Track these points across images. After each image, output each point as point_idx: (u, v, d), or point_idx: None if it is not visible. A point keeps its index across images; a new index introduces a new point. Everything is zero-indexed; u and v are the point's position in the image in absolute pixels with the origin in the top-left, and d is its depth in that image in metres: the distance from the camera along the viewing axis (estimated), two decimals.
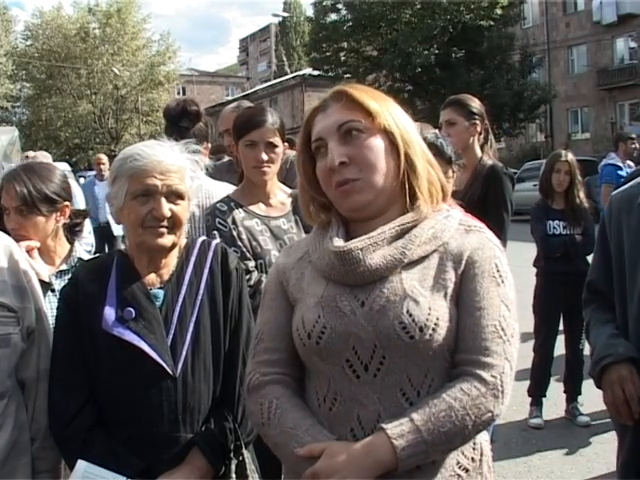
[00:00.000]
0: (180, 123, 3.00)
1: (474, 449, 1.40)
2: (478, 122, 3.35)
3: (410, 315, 1.32)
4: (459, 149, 3.22)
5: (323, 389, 1.41)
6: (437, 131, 2.50)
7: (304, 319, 1.41)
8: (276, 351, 1.48)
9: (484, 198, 3.15)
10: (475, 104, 3.40)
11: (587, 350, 4.65)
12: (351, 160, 1.39)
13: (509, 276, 1.41)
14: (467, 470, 1.38)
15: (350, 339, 1.36)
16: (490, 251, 1.41)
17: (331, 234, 1.45)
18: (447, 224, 1.43)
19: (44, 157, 6.60)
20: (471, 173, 3.25)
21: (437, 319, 1.33)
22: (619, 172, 6.57)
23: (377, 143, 1.41)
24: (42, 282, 2.00)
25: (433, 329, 1.32)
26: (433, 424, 1.27)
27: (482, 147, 3.38)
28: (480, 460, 1.41)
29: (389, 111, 1.44)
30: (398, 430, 1.27)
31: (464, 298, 1.37)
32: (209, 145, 3.14)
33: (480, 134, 3.37)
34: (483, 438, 1.42)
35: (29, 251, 2.14)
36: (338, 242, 1.41)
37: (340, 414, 1.38)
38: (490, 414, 1.31)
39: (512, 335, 1.36)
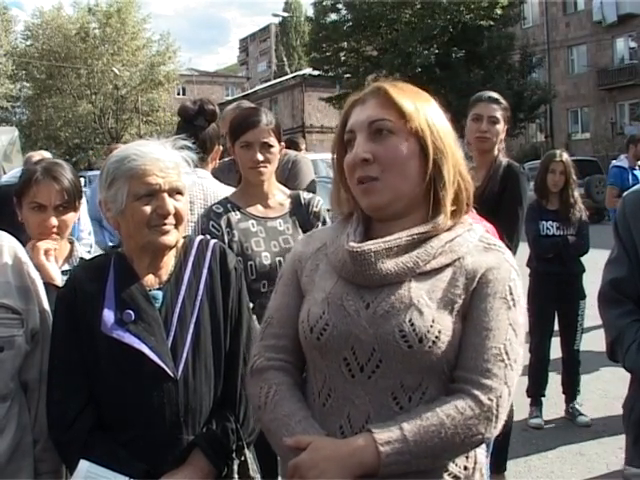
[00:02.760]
0: (195, 122, 2.97)
1: (467, 457, 1.39)
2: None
3: (412, 325, 1.32)
4: (492, 147, 3.30)
5: (319, 384, 1.43)
6: None
7: (310, 313, 1.42)
8: (283, 337, 1.48)
9: (500, 195, 3.22)
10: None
11: (583, 348, 4.71)
12: (375, 158, 1.38)
13: (521, 300, 1.39)
14: (458, 478, 1.37)
15: (350, 339, 1.36)
16: (506, 272, 1.38)
17: (349, 230, 1.45)
18: (467, 238, 1.41)
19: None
20: (487, 170, 3.32)
21: (439, 332, 1.32)
22: (624, 175, 6.59)
23: (406, 146, 1.38)
24: (55, 287, 1.97)
25: (433, 341, 1.31)
26: (421, 437, 1.26)
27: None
28: (473, 468, 1.40)
29: (425, 114, 1.41)
30: (386, 436, 1.26)
31: (472, 316, 1.35)
32: (221, 147, 3.12)
33: None
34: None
35: (47, 252, 2.10)
36: (353, 241, 1.41)
37: (332, 410, 1.39)
38: (480, 436, 1.30)
39: (515, 360, 1.34)
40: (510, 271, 1.39)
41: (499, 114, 3.40)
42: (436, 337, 1.32)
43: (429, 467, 1.31)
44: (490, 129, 3.36)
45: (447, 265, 1.38)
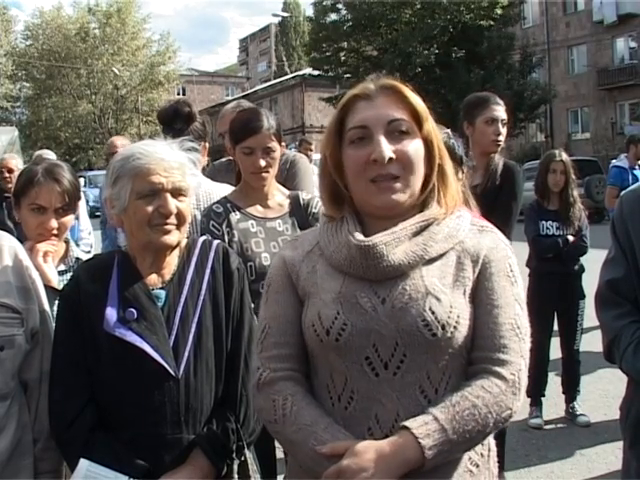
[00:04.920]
0: (174, 125, 2.98)
1: (483, 445, 1.41)
2: None
3: (433, 312, 1.33)
4: (499, 147, 3.44)
5: (338, 387, 1.40)
6: (449, 131, 2.53)
7: (321, 315, 1.39)
8: (286, 346, 1.45)
9: (498, 191, 3.31)
10: None
11: (582, 348, 4.70)
12: (396, 157, 1.40)
13: (519, 276, 1.44)
14: (477, 465, 1.39)
15: (371, 336, 1.35)
16: (503, 251, 1.44)
17: (349, 228, 1.44)
18: (460, 224, 1.46)
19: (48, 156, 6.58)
20: (485, 169, 3.41)
21: (458, 317, 1.34)
22: (625, 175, 6.59)
23: (420, 147, 1.43)
24: (52, 289, 1.97)
25: (454, 327, 1.33)
26: (458, 423, 1.28)
27: None
28: (488, 455, 1.43)
29: (430, 120, 1.46)
30: (424, 430, 1.27)
31: (481, 296, 1.39)
32: (207, 144, 3.13)
33: None
34: None
35: (45, 255, 2.10)
36: (360, 236, 1.41)
37: (357, 413, 1.37)
38: (509, 411, 1.33)
39: (525, 333, 1.38)
40: (506, 249, 1.45)
41: (506, 115, 3.51)
42: (456, 322, 1.34)
43: (467, 451, 1.34)
44: (503, 132, 3.48)
45: (450, 249, 1.42)
